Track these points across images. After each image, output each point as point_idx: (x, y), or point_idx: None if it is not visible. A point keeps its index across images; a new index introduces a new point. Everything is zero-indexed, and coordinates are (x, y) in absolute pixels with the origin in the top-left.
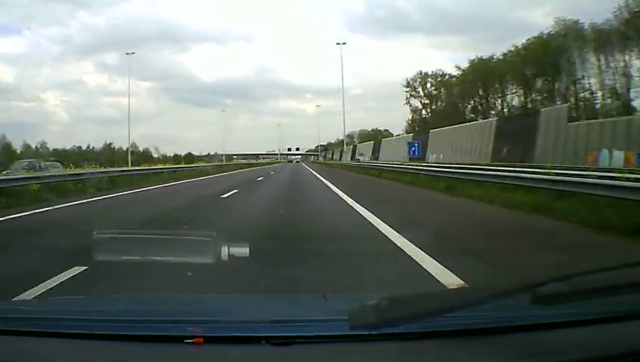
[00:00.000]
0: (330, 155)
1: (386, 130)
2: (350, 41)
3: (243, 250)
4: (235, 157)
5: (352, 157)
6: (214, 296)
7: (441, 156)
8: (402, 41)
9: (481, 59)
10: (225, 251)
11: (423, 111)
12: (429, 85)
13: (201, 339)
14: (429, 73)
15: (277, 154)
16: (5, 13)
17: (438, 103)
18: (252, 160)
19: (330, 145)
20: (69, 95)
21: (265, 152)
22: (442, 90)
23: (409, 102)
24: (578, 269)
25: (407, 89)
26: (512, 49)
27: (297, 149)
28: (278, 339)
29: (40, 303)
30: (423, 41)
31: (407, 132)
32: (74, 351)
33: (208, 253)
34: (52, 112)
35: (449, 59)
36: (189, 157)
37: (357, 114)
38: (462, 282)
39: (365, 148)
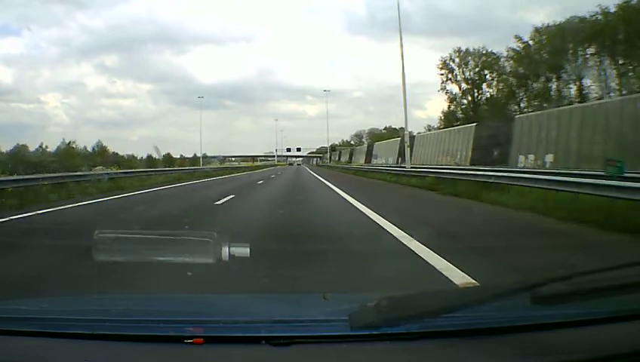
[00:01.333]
0: (337, 157)
1: (402, 129)
2: (351, 43)
3: (243, 250)
4: (233, 159)
5: (367, 160)
6: (214, 295)
7: (549, 158)
8: (403, 43)
9: (553, 26)
10: (225, 251)
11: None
12: (471, 65)
13: (201, 339)
14: (470, 50)
15: (274, 156)
16: (3, 13)
17: (484, 88)
18: (244, 162)
19: (336, 145)
20: (68, 97)
21: (263, 154)
22: (488, 72)
23: (445, 87)
24: (578, 269)
25: (443, 71)
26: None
27: (298, 150)
28: (278, 339)
29: (40, 303)
30: (424, 44)
31: (443, 126)
32: (74, 351)
33: (209, 253)
34: (53, 114)
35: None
36: (168, 159)
37: (358, 117)
38: None
39: (385, 149)
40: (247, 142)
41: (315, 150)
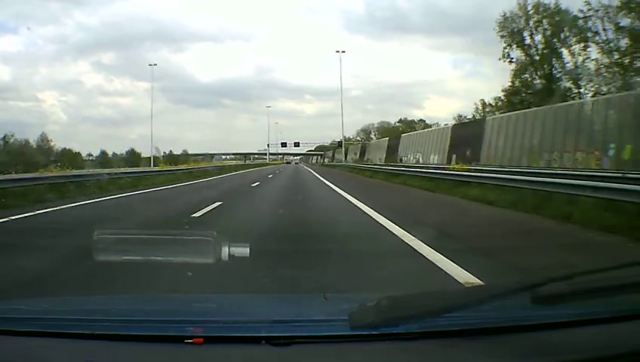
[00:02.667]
0: (343, 156)
1: (421, 121)
2: (349, 42)
3: (243, 250)
4: (224, 157)
5: (388, 158)
6: (214, 295)
7: None
8: (402, 42)
9: None
10: (225, 251)
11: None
12: (544, 24)
13: (201, 339)
14: (541, 2)
15: (267, 154)
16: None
17: (564, 56)
18: (222, 163)
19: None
20: (66, 95)
21: (257, 151)
22: (569, 34)
23: (509, 55)
24: (578, 269)
25: (504, 33)
26: None
27: (296, 145)
28: (278, 339)
29: (40, 303)
30: (423, 42)
31: (500, 109)
32: (74, 351)
33: (208, 253)
34: (50, 112)
35: (451, 61)
36: (131, 158)
37: (356, 116)
38: None
39: (423, 143)
40: (245, 141)
41: (313, 148)
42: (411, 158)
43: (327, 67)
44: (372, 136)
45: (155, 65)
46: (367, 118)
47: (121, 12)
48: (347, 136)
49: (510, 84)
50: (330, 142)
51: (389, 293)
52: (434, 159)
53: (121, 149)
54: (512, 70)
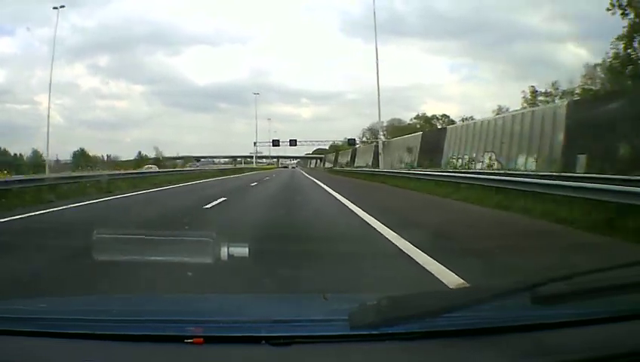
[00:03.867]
0: (349, 159)
1: (444, 116)
2: (346, 45)
3: (242, 251)
4: (216, 161)
5: (419, 161)
6: (214, 295)
7: None
8: (399, 45)
9: None
10: (224, 251)
11: None
12: None
13: (201, 339)
14: None
15: (254, 156)
16: None
17: None
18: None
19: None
20: (62, 98)
21: (249, 154)
22: None
23: (620, 5)
24: (578, 269)
25: None
26: None
27: (293, 143)
28: (278, 339)
29: (40, 303)
30: (420, 46)
31: (605, 92)
32: (74, 351)
33: (208, 254)
34: (46, 115)
35: (448, 65)
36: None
37: (351, 120)
38: None
39: (486, 138)
40: (241, 143)
41: (311, 152)
42: (469, 161)
43: (324, 71)
44: (380, 137)
45: (63, 7)
46: (364, 122)
47: (117, 14)
48: (348, 138)
49: (625, 47)
50: (330, 144)
51: (389, 293)
52: (527, 163)
53: (116, 152)
54: (625, 27)
